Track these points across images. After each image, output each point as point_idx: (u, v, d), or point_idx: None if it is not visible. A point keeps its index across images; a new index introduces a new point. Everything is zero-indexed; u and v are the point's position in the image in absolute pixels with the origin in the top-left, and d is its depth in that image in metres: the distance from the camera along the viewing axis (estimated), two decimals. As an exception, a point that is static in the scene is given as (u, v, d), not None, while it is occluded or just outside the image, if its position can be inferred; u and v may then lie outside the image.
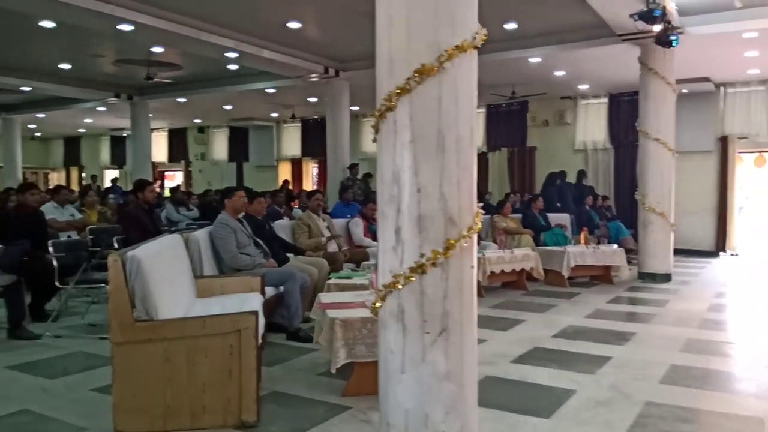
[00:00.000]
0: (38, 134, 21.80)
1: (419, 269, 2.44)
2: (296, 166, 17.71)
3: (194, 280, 4.32)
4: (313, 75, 10.77)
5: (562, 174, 11.43)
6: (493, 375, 4.00)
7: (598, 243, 8.43)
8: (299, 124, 17.06)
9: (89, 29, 8.35)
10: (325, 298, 4.21)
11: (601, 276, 8.00)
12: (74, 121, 18.13)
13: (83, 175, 22.27)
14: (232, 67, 10.85)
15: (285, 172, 17.77)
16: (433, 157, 2.46)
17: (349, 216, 8.11)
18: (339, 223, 7.49)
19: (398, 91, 2.46)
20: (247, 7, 7.61)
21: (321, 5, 7.63)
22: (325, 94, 11.49)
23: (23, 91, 13.38)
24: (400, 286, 2.46)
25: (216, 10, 7.70)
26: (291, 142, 17.53)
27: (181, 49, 9.56)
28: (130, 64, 10.85)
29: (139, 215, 5.96)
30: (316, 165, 17.50)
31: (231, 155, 18.41)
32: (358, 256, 6.73)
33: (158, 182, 18.79)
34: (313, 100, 13.65)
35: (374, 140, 2.64)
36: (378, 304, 2.55)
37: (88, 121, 18.17)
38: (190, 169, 19.80)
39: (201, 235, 4.94)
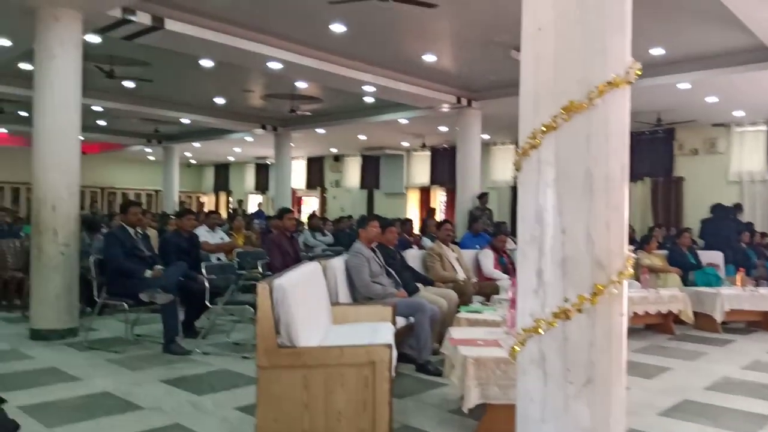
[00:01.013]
0: (193, 162, 24.01)
1: (563, 314, 2.33)
2: (425, 194, 17.89)
3: (330, 307, 4.47)
4: (445, 105, 10.89)
5: (738, 207, 10.45)
6: (637, 428, 3.69)
7: (756, 285, 7.59)
8: (429, 153, 17.27)
9: (242, 67, 9.13)
10: (456, 333, 4.15)
11: (760, 322, 7.17)
12: (224, 150, 19.79)
13: (230, 199, 24.12)
14: (369, 99, 11.28)
15: (414, 200, 18.02)
16: (580, 196, 2.36)
17: (478, 246, 8.01)
18: (468, 253, 7.41)
19: (543, 128, 2.39)
20: (386, 43, 7.92)
21: (458, 38, 7.73)
22: (456, 123, 11.55)
23: (182, 123, 14.86)
24: (541, 331, 2.36)
25: (358, 47, 8.09)
26: (420, 170, 17.77)
27: (323, 84, 10.12)
28: (276, 98, 11.68)
29: (281, 241, 6.32)
30: (445, 193, 17.55)
31: (363, 183, 19.04)
32: (488, 289, 6.60)
33: (297, 208, 19.87)
34: (443, 128, 13.78)
35: (514, 178, 2.58)
36: (517, 348, 2.46)
37: (236, 150, 19.73)
38: (325, 195, 20.73)
39: (337, 263, 5.11)
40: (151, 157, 21.81)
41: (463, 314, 4.97)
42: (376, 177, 18.75)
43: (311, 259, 6.93)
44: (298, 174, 19.79)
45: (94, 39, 7.22)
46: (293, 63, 8.12)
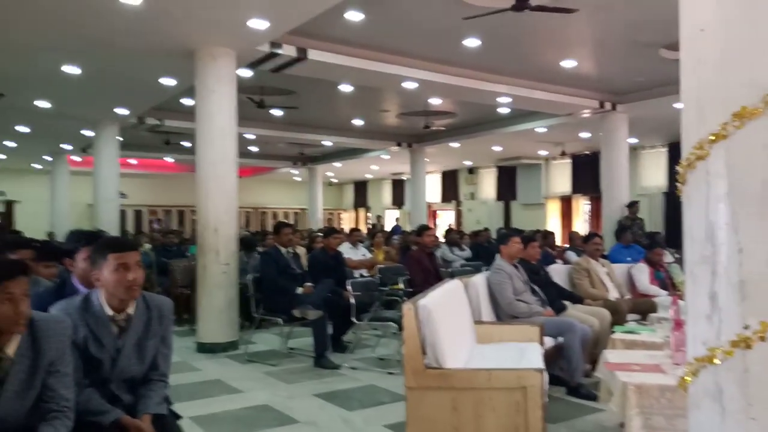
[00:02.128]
0: (334, 180, 25.15)
1: (742, 343, 2.08)
2: (565, 203, 17.17)
3: (474, 326, 4.41)
4: (586, 111, 10.39)
5: None
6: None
7: None
8: (569, 161, 16.57)
9: (379, 89, 9.41)
10: (612, 356, 3.89)
11: None
12: (362, 168, 20.50)
13: (369, 215, 24.91)
14: (503, 110, 11.09)
15: (554, 210, 17.36)
16: (758, 211, 2.10)
17: (629, 259, 7.49)
18: (619, 267, 6.95)
19: (712, 137, 2.17)
20: (522, 53, 7.75)
21: (599, 41, 7.36)
22: (599, 128, 10.97)
23: (324, 145, 15.63)
24: (717, 362, 2.12)
25: (492, 59, 8.00)
26: (560, 179, 17.11)
27: (456, 98, 10.13)
28: (410, 116, 11.89)
29: (421, 258, 6.37)
30: (588, 202, 16.71)
31: (499, 194, 18.72)
32: (644, 306, 6.12)
33: (432, 221, 20.00)
34: (585, 135, 13.15)
35: (679, 192, 2.37)
36: (688, 379, 2.24)
37: (374, 167, 20.36)
38: (460, 208, 20.67)
39: (479, 280, 5.04)
40: (297, 178, 23.16)
41: (618, 335, 4.65)
42: (512, 188, 18.35)
43: (451, 274, 6.92)
44: (433, 188, 19.94)
45: (246, 73, 7.83)
46: (428, 81, 8.21)
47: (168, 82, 8.23)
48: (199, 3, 5.43)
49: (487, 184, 19.30)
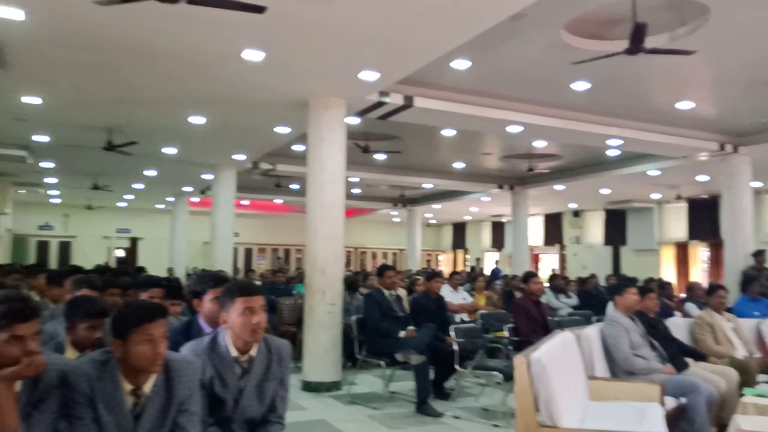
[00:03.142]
0: (433, 222, 25.22)
1: None
2: (681, 250, 16.12)
3: (587, 381, 4.20)
4: (704, 153, 9.80)
5: None
6: None
7: None
8: (685, 204, 15.61)
9: (482, 133, 9.43)
10: (744, 422, 3.55)
11: None
12: (461, 209, 20.44)
13: (467, 257, 24.65)
14: (613, 152, 10.72)
15: (668, 257, 16.33)
16: None
17: (756, 314, 6.85)
18: (747, 323, 6.36)
19: None
20: (634, 95, 7.51)
21: (718, 81, 6.99)
22: (719, 171, 10.28)
23: (424, 188, 15.78)
24: None
25: (601, 101, 7.81)
26: (675, 224, 16.13)
27: (563, 141, 9.92)
28: (513, 158, 11.77)
29: (527, 306, 6.20)
30: (707, 249, 15.58)
31: (607, 238, 17.93)
32: (778, 367, 5.56)
33: (535, 265, 19.44)
34: (703, 178, 12.37)
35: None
36: None
37: (473, 209, 20.24)
38: (564, 252, 19.98)
39: (592, 332, 4.80)
40: (396, 219, 23.47)
41: (749, 398, 4.24)
42: (621, 232, 17.52)
43: (558, 323, 6.66)
44: (535, 231, 19.45)
45: (353, 120, 8.14)
46: (533, 125, 8.13)
47: (282, 130, 8.71)
48: (315, 57, 5.75)
49: (594, 228, 18.56)
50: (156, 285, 3.87)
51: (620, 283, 5.61)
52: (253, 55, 5.62)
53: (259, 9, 4.02)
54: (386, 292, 6.40)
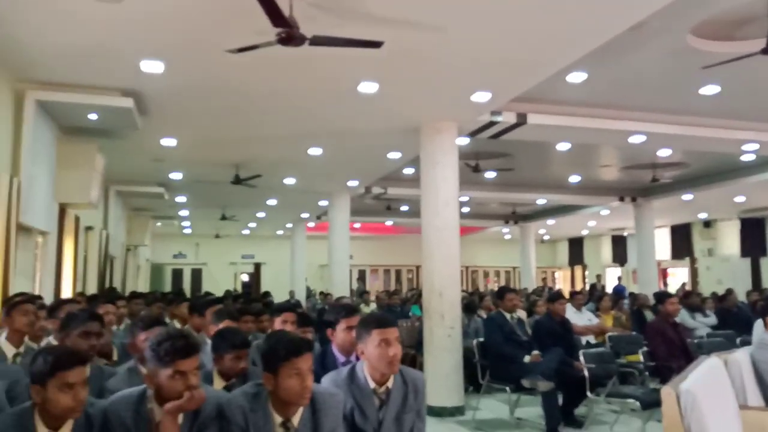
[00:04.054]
0: (546, 237, 24.41)
1: None
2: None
3: (739, 412, 3.83)
4: None
5: None
6: None
7: None
8: (837, 209, 13.99)
9: (600, 145, 9.04)
10: None
11: None
12: (578, 224, 19.62)
13: (586, 273, 23.56)
14: (747, 158, 9.85)
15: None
16: None
17: None
18: None
19: None
20: (772, 95, 6.90)
21: None
22: None
23: (537, 204, 15.35)
24: None
25: (734, 105, 7.24)
26: (826, 231, 14.46)
27: (691, 148, 9.28)
28: (635, 169, 11.16)
29: (664, 329, 5.80)
30: None
31: (743, 250, 16.43)
32: None
33: (662, 281, 18.21)
34: None
35: None
36: None
37: (591, 223, 19.36)
38: (696, 266, 18.54)
39: (741, 357, 4.39)
40: (507, 236, 22.98)
41: None
42: (761, 242, 15.99)
43: (698, 346, 6.16)
44: (661, 244, 18.23)
45: (463, 141, 8.12)
46: (658, 134, 7.67)
47: (394, 155, 8.88)
48: (427, 84, 5.83)
49: (729, 239, 17.08)
50: (288, 309, 4.04)
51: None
52: (368, 87, 5.80)
53: (376, 44, 4.15)
54: (507, 315, 6.26)
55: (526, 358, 5.80)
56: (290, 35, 3.81)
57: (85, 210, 8.05)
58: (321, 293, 14.92)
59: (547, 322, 6.63)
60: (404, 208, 15.83)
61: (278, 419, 2.21)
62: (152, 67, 5.22)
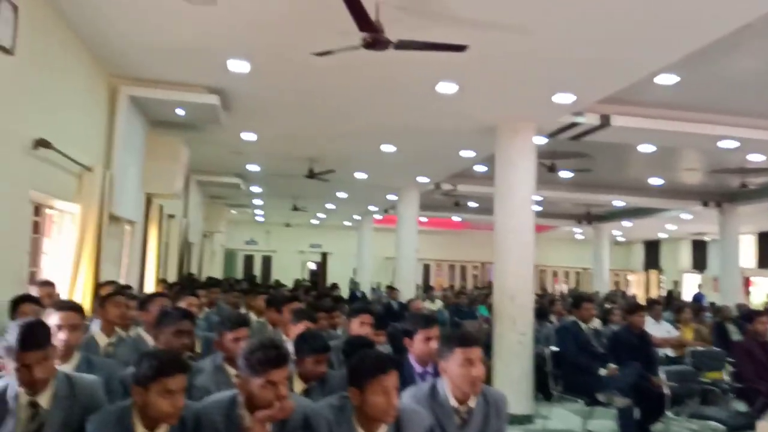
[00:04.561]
0: (621, 239, 23.53)
1: None
2: None
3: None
4: None
5: None
6: None
7: None
8: None
9: (686, 148, 8.58)
10: None
11: None
12: (656, 226, 18.79)
13: (662, 278, 22.57)
14: None
15: None
16: None
17: None
18: None
19: None
20: None
21: None
22: None
23: (614, 205, 14.79)
24: None
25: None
26: None
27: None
28: (722, 173, 10.56)
29: (752, 349, 5.45)
30: None
31: (841, 261, 15.27)
32: None
33: (745, 290, 17.19)
34: None
35: None
36: None
37: (670, 227, 18.51)
38: (784, 276, 17.42)
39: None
40: (579, 236, 22.31)
41: None
42: None
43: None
44: (745, 251, 17.20)
45: (541, 140, 7.90)
46: (751, 139, 7.21)
47: (467, 154, 8.77)
48: (507, 84, 5.70)
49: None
50: (366, 311, 4.07)
51: None
52: (446, 87, 5.74)
53: (461, 48, 4.08)
54: (583, 326, 6.07)
55: (602, 371, 5.60)
56: (376, 39, 3.80)
57: (169, 200, 8.40)
58: (387, 287, 15.00)
59: (625, 335, 6.36)
60: (473, 204, 15.64)
61: (362, 433, 2.22)
62: (239, 66, 5.36)
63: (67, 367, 2.63)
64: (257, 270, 23.45)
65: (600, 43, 4.65)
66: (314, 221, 21.65)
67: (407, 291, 12.09)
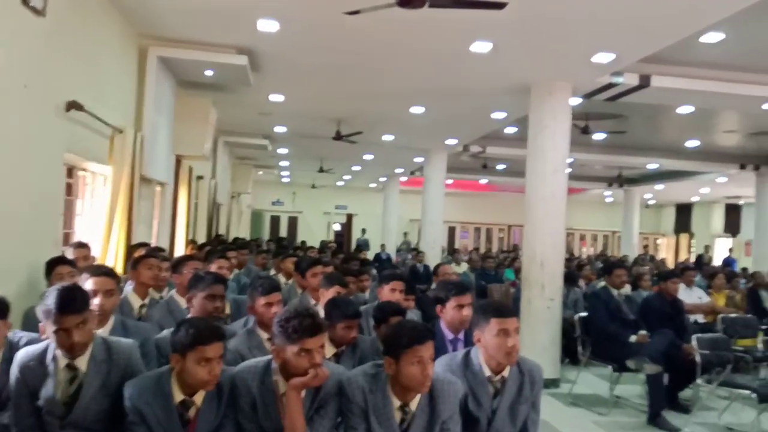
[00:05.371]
0: (651, 202, 23.07)
1: None
2: None
3: None
4: None
5: None
6: None
7: None
8: None
9: (726, 109, 8.26)
10: None
11: None
12: (688, 190, 18.36)
13: (692, 242, 22.18)
14: None
15: None
16: None
17: None
18: None
19: None
20: None
21: None
22: None
23: (648, 168, 14.44)
24: None
25: None
26: None
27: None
28: (762, 135, 10.18)
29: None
30: None
31: None
32: None
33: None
34: None
35: None
36: None
37: (703, 190, 18.07)
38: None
39: None
40: (609, 199, 21.93)
41: None
42: None
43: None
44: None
45: (575, 101, 7.67)
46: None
47: (498, 115, 8.58)
48: (544, 43, 5.49)
49: None
50: (398, 278, 4.05)
51: None
52: (481, 47, 5.56)
53: (499, 6, 3.92)
54: (614, 292, 5.99)
55: (633, 338, 5.54)
56: (410, -3, 3.66)
57: (198, 161, 8.43)
58: (413, 249, 15.01)
59: (657, 301, 6.27)
60: (501, 166, 15.42)
61: (396, 402, 2.22)
62: (268, 26, 5.25)
63: (102, 331, 2.67)
64: (283, 231, 23.67)
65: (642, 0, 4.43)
66: (340, 183, 21.64)
67: (433, 254, 12.10)
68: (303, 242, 15.93)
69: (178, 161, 7.39)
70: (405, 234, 20.05)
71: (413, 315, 3.89)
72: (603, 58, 5.71)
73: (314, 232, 22.30)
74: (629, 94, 6.89)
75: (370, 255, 15.30)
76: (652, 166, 13.69)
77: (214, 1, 4.80)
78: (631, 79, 6.46)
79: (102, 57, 4.92)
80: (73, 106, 4.11)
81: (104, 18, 4.89)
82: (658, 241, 24.48)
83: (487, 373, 2.49)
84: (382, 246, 17.00)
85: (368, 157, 13.87)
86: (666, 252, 23.23)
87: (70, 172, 4.64)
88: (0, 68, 3.15)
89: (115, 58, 5.29)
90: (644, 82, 6.49)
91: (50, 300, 2.21)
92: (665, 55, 6.14)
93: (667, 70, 6.51)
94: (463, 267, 11.63)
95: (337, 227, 24.80)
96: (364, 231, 21.58)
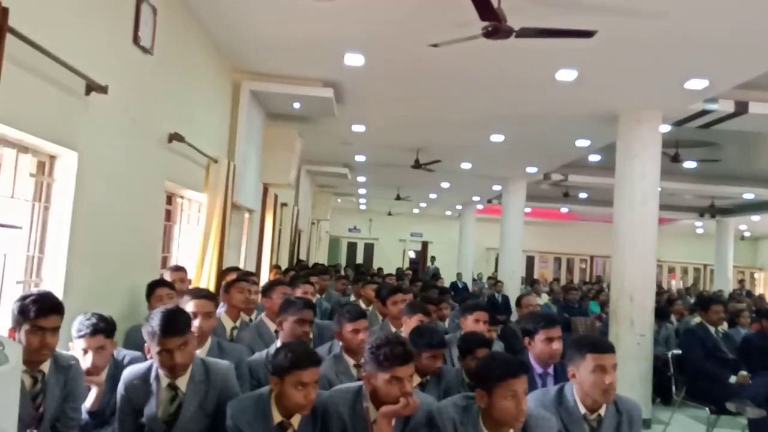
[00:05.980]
0: (747, 234, 21.64)
1: None
2: None
3: None
4: None
5: None
6: None
7: None
8: None
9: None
10: None
11: None
12: (790, 222, 17.09)
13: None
14: None
15: None
16: None
17: None
18: None
19: None
20: None
21: None
22: None
23: (742, 198, 13.60)
24: None
25: None
26: None
27: None
28: None
29: None
30: None
31: None
32: None
33: None
34: None
35: None
36: None
37: (808, 222, 16.76)
38: None
39: None
40: (700, 230, 20.77)
41: None
42: None
43: None
44: None
45: (664, 128, 7.38)
46: None
47: (583, 143, 8.37)
48: (633, 70, 5.34)
49: None
50: (482, 309, 3.99)
51: None
52: (566, 75, 5.48)
53: (589, 34, 3.87)
54: (711, 329, 5.64)
55: (732, 379, 5.18)
56: (497, 28, 3.69)
57: (283, 189, 8.72)
58: (490, 278, 14.75)
59: (759, 340, 5.84)
60: (583, 195, 14.99)
61: (488, 437, 2.18)
62: (354, 59, 5.42)
63: (200, 352, 2.79)
64: (359, 257, 23.92)
65: (740, 23, 4.24)
66: (416, 210, 21.70)
67: (511, 283, 11.84)
68: (380, 269, 16.02)
69: (265, 189, 7.67)
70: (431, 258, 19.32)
71: (497, 346, 3.82)
72: (696, 84, 5.49)
73: (390, 259, 22.41)
74: (724, 122, 6.56)
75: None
76: (748, 196, 12.88)
77: (304, 36, 5.02)
78: (726, 106, 6.16)
79: (200, 91, 5.23)
80: (174, 137, 4.38)
81: (202, 54, 5.21)
82: (756, 275, 22.84)
83: (583, 411, 2.40)
84: (458, 275, 16.81)
85: (445, 185, 13.86)
86: (764, 287, 21.62)
87: (169, 199, 4.91)
88: (112, 103, 3.40)
89: (212, 91, 5.61)
90: (741, 109, 6.17)
91: (154, 322, 2.32)
92: (763, 80, 5.83)
93: (765, 96, 6.16)
94: (544, 298, 11.29)
95: (411, 254, 24.81)
96: (433, 259, 21.41)
